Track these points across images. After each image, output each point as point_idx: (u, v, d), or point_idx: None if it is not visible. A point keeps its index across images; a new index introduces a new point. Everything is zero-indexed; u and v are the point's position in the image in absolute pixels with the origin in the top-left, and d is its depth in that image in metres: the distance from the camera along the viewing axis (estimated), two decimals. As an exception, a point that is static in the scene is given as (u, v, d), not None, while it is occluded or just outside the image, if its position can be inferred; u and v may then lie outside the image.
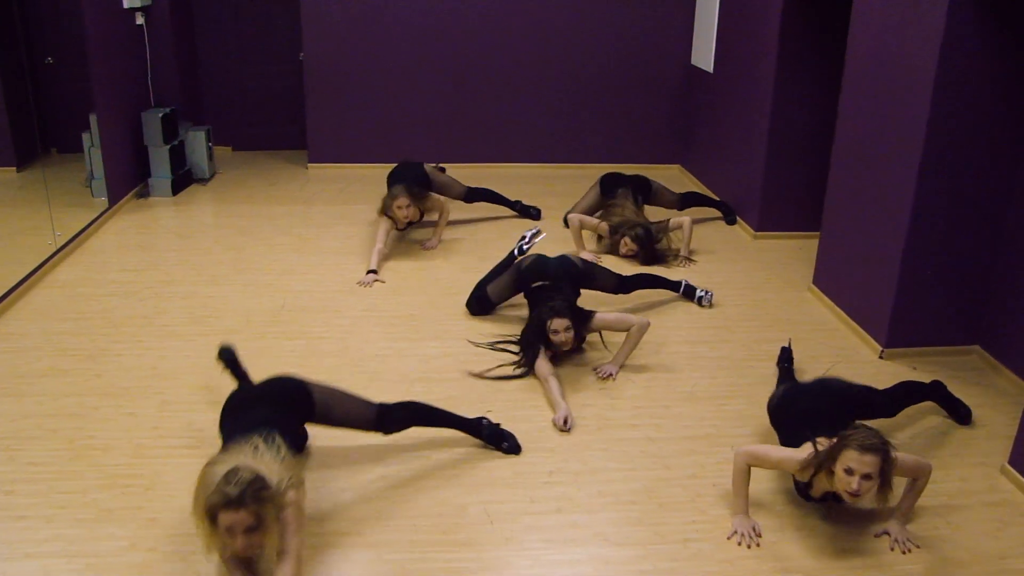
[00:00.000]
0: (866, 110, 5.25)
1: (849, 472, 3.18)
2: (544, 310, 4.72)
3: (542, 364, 4.63)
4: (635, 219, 6.55)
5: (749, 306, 5.75)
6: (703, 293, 5.71)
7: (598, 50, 8.61)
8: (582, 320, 4.77)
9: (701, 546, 3.48)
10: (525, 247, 5.61)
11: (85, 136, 6.98)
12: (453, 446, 4.10)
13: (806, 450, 3.38)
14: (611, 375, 4.76)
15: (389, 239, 6.36)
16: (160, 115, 7.58)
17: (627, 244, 6.40)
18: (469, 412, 4.20)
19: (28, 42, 6.54)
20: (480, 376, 4.70)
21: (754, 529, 3.53)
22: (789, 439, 3.66)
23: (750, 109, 7.05)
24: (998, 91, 4.60)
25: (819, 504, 3.62)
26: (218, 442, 4.04)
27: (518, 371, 4.72)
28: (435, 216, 6.64)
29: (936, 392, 4.44)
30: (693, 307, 5.69)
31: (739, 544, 3.46)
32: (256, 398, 3.64)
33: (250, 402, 3.61)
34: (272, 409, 3.49)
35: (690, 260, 6.47)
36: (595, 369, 4.83)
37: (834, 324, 5.50)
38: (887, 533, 3.52)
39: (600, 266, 5.71)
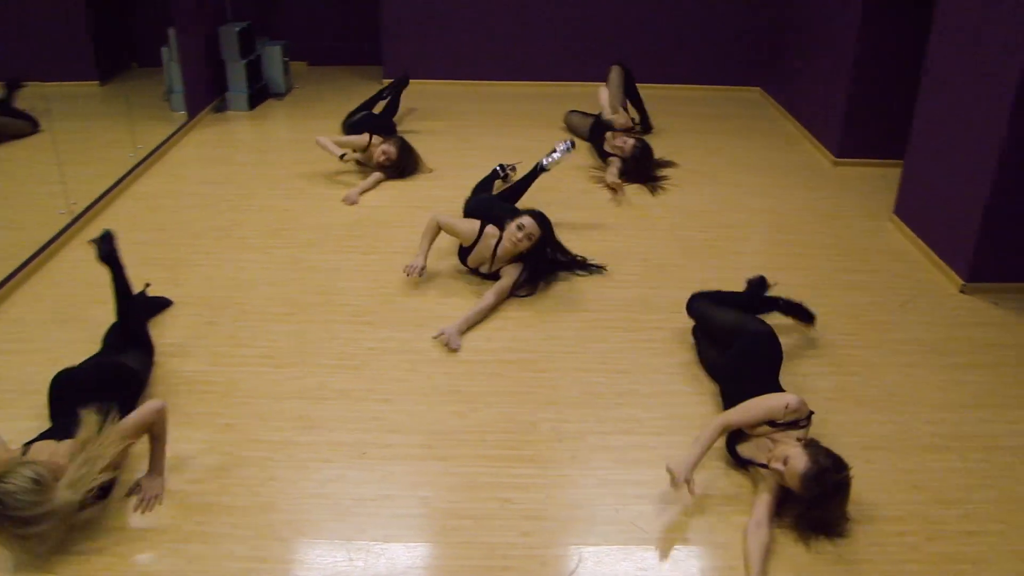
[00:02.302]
0: (961, 32, 5.02)
1: (784, 462, 3.14)
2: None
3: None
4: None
5: (827, 234, 5.63)
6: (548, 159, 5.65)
7: (680, -32, 8.38)
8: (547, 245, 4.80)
9: (768, 472, 3.47)
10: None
11: (164, 50, 7.05)
12: (527, 364, 4.14)
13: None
14: (445, 340, 4.25)
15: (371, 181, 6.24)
16: (237, 29, 7.60)
17: (624, 143, 6.40)
18: (538, 332, 4.23)
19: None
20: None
21: (688, 483, 3.13)
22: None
23: (837, 28, 6.80)
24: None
25: (738, 465, 3.47)
26: (292, 354, 4.14)
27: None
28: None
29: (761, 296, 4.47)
30: (770, 235, 5.60)
31: (670, 477, 3.14)
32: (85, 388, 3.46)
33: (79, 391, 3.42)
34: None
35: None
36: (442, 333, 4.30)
37: (914, 256, 5.37)
38: None
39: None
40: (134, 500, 3.19)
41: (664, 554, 3.06)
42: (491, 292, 4.59)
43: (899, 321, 4.63)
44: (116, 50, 6.80)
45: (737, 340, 3.85)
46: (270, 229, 5.47)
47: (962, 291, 4.94)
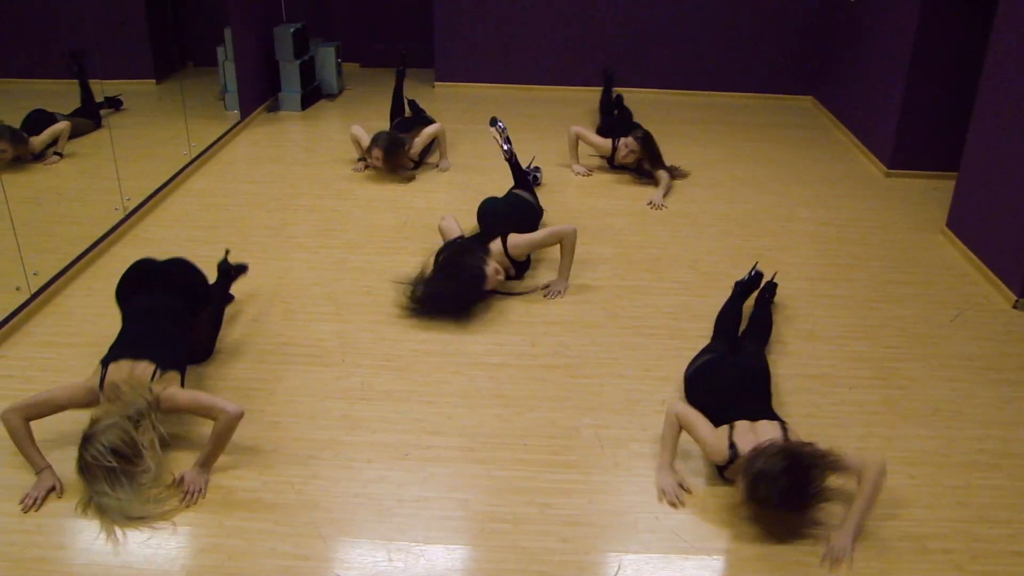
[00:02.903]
0: (1022, 42, 4.94)
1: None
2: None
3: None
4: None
5: (877, 246, 5.57)
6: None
7: (732, -26, 8.34)
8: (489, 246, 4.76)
9: (811, 485, 3.44)
10: (504, 139, 5.67)
11: (220, 50, 7.17)
12: (570, 370, 4.15)
13: (724, 435, 3.31)
14: (559, 292, 4.78)
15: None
16: (291, 31, 7.70)
17: (628, 144, 6.37)
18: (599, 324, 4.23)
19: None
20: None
21: (681, 486, 3.35)
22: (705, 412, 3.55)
23: (892, 38, 6.72)
24: None
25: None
26: (337, 353, 4.18)
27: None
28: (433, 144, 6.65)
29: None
30: (818, 245, 5.54)
31: (671, 504, 3.28)
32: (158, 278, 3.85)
33: (151, 285, 3.81)
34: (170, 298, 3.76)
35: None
36: (544, 289, 4.83)
37: (966, 269, 5.29)
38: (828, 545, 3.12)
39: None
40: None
41: (704, 564, 3.05)
42: (562, 248, 4.74)
43: (948, 335, 4.56)
44: (173, 49, 6.93)
45: None
46: (319, 229, 5.53)
47: (1015, 307, 4.86)
